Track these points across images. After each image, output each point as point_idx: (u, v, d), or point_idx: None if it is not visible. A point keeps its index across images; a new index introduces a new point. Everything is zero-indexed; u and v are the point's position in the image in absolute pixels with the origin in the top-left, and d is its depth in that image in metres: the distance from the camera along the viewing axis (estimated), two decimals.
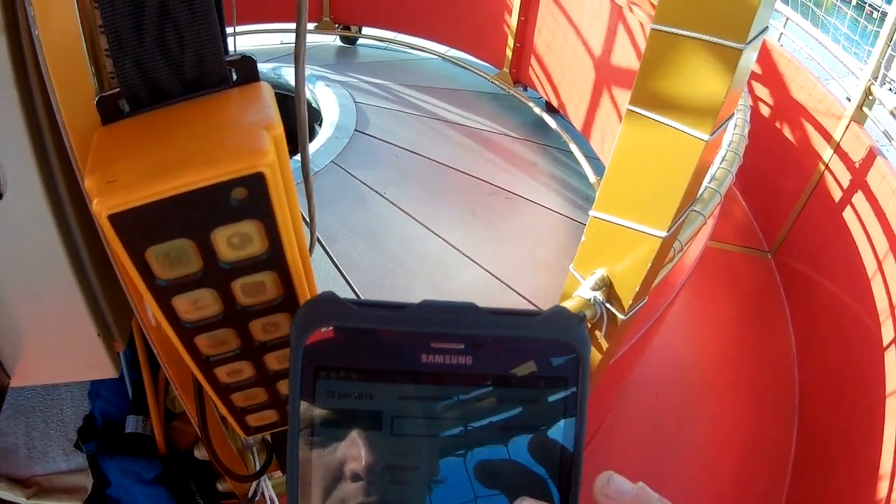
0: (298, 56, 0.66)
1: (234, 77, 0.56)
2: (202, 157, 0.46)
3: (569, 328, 0.47)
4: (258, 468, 1.10)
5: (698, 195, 1.82)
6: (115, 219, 0.46)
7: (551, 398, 0.47)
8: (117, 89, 0.54)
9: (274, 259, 0.51)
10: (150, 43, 0.51)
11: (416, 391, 0.47)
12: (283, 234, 0.49)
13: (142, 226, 0.47)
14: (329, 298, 0.46)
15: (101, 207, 0.46)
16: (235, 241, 0.49)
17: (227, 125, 0.50)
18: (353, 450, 0.47)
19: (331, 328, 0.46)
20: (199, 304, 0.53)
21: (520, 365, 0.47)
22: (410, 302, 0.47)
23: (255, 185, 0.46)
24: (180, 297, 0.52)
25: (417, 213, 3.87)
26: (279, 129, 0.49)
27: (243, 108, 0.52)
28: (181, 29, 0.51)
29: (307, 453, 0.46)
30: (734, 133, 2.48)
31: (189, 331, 0.55)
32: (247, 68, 0.55)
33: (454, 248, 3.67)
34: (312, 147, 4.20)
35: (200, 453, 1.15)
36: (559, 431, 0.47)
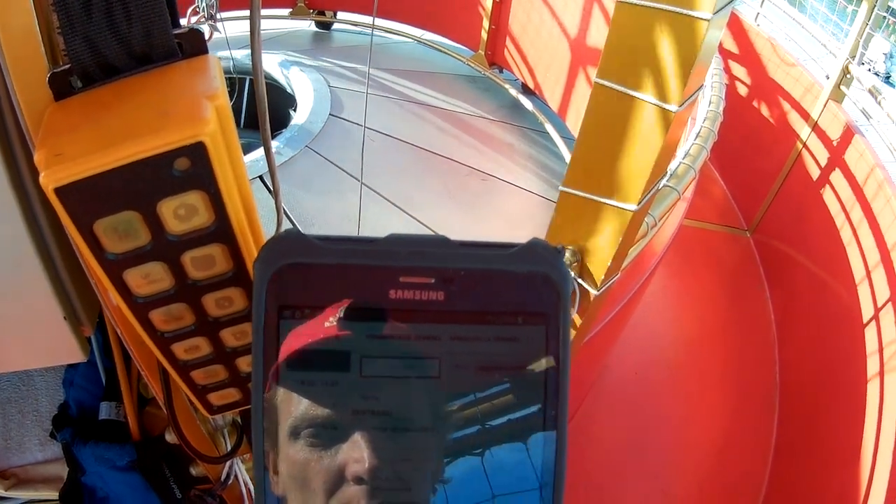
0: (253, 31, 0.66)
1: (183, 50, 0.55)
2: (145, 128, 0.46)
3: (547, 260, 0.44)
4: (229, 450, 1.10)
5: (673, 171, 1.83)
6: (61, 192, 0.46)
7: (531, 335, 0.44)
8: (68, 66, 0.54)
9: (221, 231, 0.50)
10: (98, 18, 0.51)
11: (385, 329, 0.44)
12: (227, 204, 0.49)
13: (88, 198, 0.47)
14: (293, 234, 0.43)
15: (48, 181, 0.46)
16: (181, 212, 0.49)
17: (172, 97, 0.50)
18: (321, 394, 0.44)
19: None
20: (150, 277, 0.53)
21: (495, 300, 0.44)
22: (377, 236, 0.44)
23: (197, 154, 0.46)
24: (131, 270, 0.52)
25: (394, 196, 3.87)
26: (222, 99, 0.48)
27: (189, 79, 0.52)
28: (128, 4, 0.51)
29: (273, 398, 0.44)
30: (709, 109, 2.49)
31: (142, 306, 0.55)
32: (194, 41, 0.55)
33: (431, 230, 3.65)
34: (287, 132, 4.20)
35: (171, 437, 1.15)
36: (541, 372, 0.44)
